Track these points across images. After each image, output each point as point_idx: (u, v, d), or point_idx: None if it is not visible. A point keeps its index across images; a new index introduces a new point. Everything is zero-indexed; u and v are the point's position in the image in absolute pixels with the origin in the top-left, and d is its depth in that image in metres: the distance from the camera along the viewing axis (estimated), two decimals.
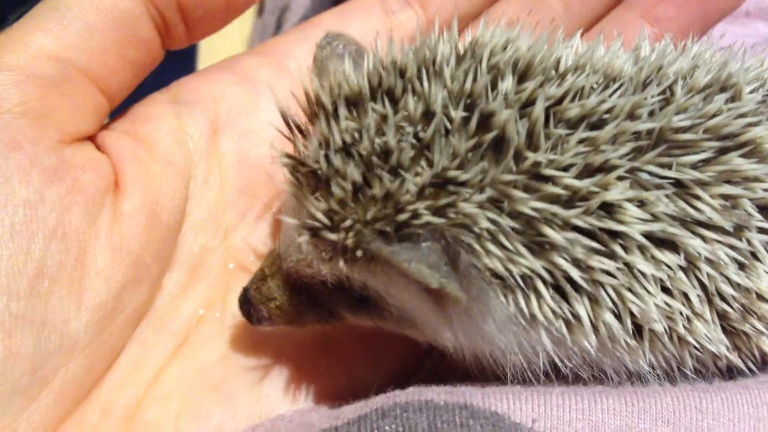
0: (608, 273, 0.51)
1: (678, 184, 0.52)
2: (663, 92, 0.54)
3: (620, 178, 0.51)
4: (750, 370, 0.58)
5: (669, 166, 0.52)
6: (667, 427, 0.52)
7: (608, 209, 0.51)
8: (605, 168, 0.51)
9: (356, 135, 0.52)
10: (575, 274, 0.51)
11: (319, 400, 0.63)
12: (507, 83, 0.52)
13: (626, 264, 0.51)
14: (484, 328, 0.54)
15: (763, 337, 0.56)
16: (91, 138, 0.62)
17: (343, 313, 0.60)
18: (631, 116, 0.52)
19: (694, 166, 0.52)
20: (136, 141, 0.64)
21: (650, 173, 0.52)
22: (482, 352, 0.57)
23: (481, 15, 0.76)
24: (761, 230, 0.54)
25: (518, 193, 0.50)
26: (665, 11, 0.72)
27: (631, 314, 0.52)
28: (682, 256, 0.52)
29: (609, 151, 0.51)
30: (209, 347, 0.64)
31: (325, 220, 0.53)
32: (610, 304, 0.52)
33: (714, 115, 0.53)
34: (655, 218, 0.51)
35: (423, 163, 0.51)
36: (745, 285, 0.54)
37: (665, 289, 0.53)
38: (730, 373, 0.58)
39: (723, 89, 0.55)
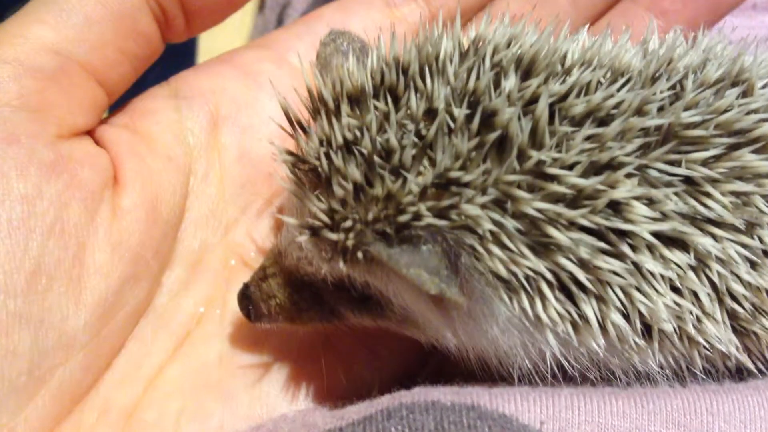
0: (616, 273, 0.50)
1: (688, 181, 0.51)
2: (673, 87, 0.53)
3: (628, 176, 0.50)
4: (760, 371, 0.57)
5: (678, 163, 0.51)
6: (677, 430, 0.51)
7: (616, 208, 0.49)
8: (612, 165, 0.50)
9: (358, 133, 0.51)
10: (581, 274, 0.50)
11: (320, 399, 0.62)
12: (510, 81, 0.51)
13: (634, 264, 0.50)
14: (488, 329, 0.53)
15: None
16: (90, 132, 0.61)
17: (344, 311, 0.59)
18: (639, 112, 0.51)
19: (705, 163, 0.51)
20: (135, 136, 0.63)
21: (659, 170, 0.51)
22: (486, 354, 0.56)
23: (484, 9, 0.75)
24: None
25: (522, 194, 0.49)
26: (672, 4, 0.70)
27: (640, 314, 0.51)
28: (692, 254, 0.51)
29: (616, 148, 0.49)
30: (209, 346, 0.63)
31: (326, 220, 0.52)
32: (619, 305, 0.51)
33: (725, 111, 0.52)
34: (665, 216, 0.50)
35: (425, 162, 0.50)
36: (756, 284, 0.53)
37: (675, 289, 0.52)
38: (740, 374, 0.58)
39: (734, 84, 0.54)
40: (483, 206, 0.49)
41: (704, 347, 0.54)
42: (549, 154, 0.49)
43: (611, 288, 0.50)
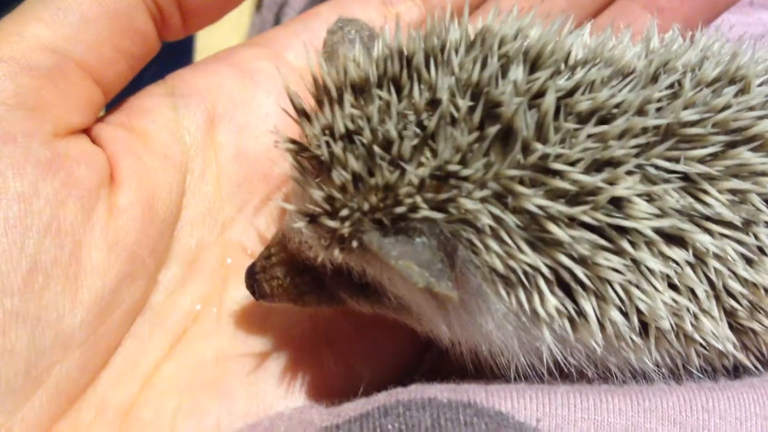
0: (615, 270, 0.50)
1: (686, 178, 0.51)
2: (671, 85, 0.53)
3: (629, 173, 0.50)
4: (756, 368, 0.57)
5: (677, 161, 0.51)
6: (673, 427, 0.52)
7: (617, 204, 0.50)
8: (613, 163, 0.50)
9: (360, 123, 0.51)
10: (580, 271, 0.50)
11: (318, 396, 0.62)
12: (517, 73, 0.51)
13: (634, 260, 0.50)
14: (483, 324, 0.53)
15: None
16: (86, 131, 0.61)
17: (343, 296, 0.59)
18: (641, 111, 0.51)
19: (703, 161, 0.51)
20: (131, 134, 0.63)
21: (658, 168, 0.51)
22: (481, 349, 0.56)
23: (481, 6, 0.75)
24: None
25: (523, 189, 0.49)
26: (669, 2, 0.70)
27: (638, 311, 0.51)
28: (690, 251, 0.51)
29: (617, 146, 0.49)
30: (206, 343, 0.63)
31: (325, 207, 0.52)
32: (617, 302, 0.51)
33: (722, 109, 0.52)
34: (664, 213, 0.50)
35: (427, 154, 0.50)
36: (753, 281, 0.53)
37: (672, 286, 0.52)
38: (735, 371, 0.58)
39: (732, 82, 0.54)
40: (482, 200, 0.49)
41: (701, 345, 0.54)
42: (554, 149, 0.49)
43: (610, 285, 0.50)
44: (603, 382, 0.56)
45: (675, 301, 0.52)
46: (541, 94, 0.51)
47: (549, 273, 0.50)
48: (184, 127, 0.65)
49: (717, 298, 0.53)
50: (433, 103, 0.51)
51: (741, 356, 0.55)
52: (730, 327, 0.54)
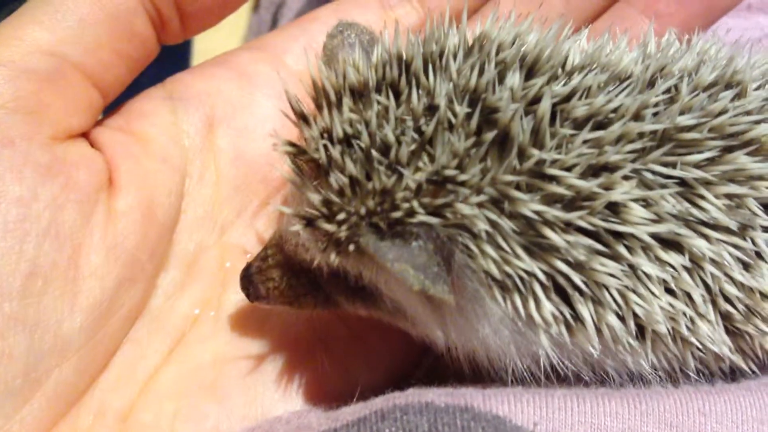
0: (612, 275, 0.50)
1: (683, 183, 0.51)
2: (668, 90, 0.53)
3: (625, 178, 0.50)
4: (752, 371, 0.57)
5: (674, 165, 0.51)
6: (670, 430, 0.52)
7: (613, 209, 0.50)
8: (609, 168, 0.50)
9: (358, 127, 0.52)
10: (576, 276, 0.50)
11: (316, 401, 0.62)
12: (514, 79, 0.51)
13: (630, 265, 0.50)
14: (479, 329, 0.53)
15: (767, 337, 0.55)
16: (85, 134, 0.61)
17: (339, 299, 0.60)
18: (637, 116, 0.51)
19: (699, 166, 0.51)
20: (130, 137, 0.63)
21: (655, 173, 0.51)
22: (478, 353, 0.56)
23: (479, 10, 0.75)
24: (766, 229, 0.53)
25: (520, 194, 0.49)
26: (667, 6, 0.70)
27: (635, 316, 0.52)
28: (687, 256, 0.51)
29: (613, 151, 0.50)
30: (204, 347, 0.63)
31: (322, 210, 0.52)
32: (614, 306, 0.51)
33: (719, 114, 0.53)
34: (661, 218, 0.50)
35: (424, 159, 0.50)
36: (749, 285, 0.53)
37: (669, 290, 0.52)
38: (732, 375, 0.58)
39: (728, 86, 0.55)
40: (479, 205, 0.49)
41: (697, 348, 0.54)
42: (549, 154, 0.49)
43: (607, 290, 0.50)
44: (600, 385, 0.56)
45: (672, 305, 0.52)
46: (537, 100, 0.51)
47: (545, 278, 0.50)
48: (183, 131, 0.65)
49: (713, 302, 0.53)
50: (431, 109, 0.51)
51: (737, 359, 0.55)
52: (726, 331, 0.54)
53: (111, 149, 0.61)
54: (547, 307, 0.51)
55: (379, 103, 0.52)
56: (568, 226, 0.49)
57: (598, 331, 0.52)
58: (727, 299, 0.53)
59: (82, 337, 0.56)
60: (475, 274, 0.50)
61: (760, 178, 0.53)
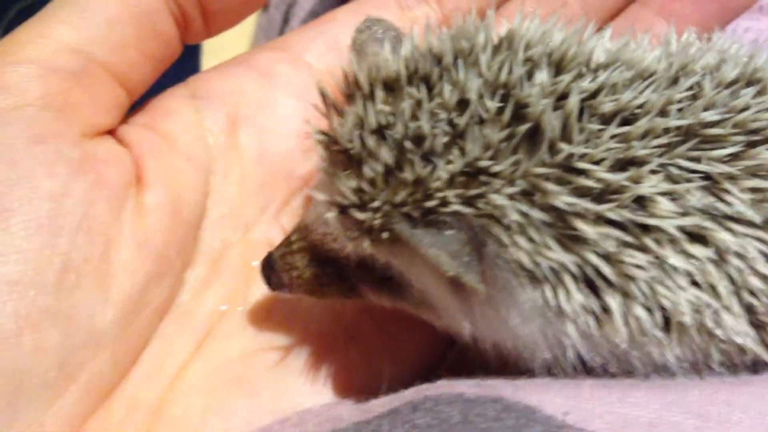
0: (640, 267, 0.51)
1: (708, 178, 0.52)
2: (691, 87, 0.54)
3: (653, 172, 0.51)
4: None
5: (699, 160, 0.52)
6: (696, 420, 0.52)
7: (641, 203, 0.51)
8: (637, 162, 0.51)
9: (391, 118, 0.53)
10: (606, 268, 0.51)
11: (343, 393, 0.63)
12: (542, 75, 0.52)
13: (658, 258, 0.51)
14: (508, 319, 0.54)
15: None
16: (111, 132, 0.62)
17: (364, 289, 0.60)
18: (662, 112, 0.52)
19: (723, 160, 0.53)
20: (156, 135, 0.63)
21: (680, 167, 0.52)
22: (505, 344, 0.57)
23: (497, 10, 0.76)
24: None
25: (551, 186, 0.50)
26: (682, 7, 0.72)
27: (661, 308, 0.53)
28: (712, 249, 0.52)
29: (640, 146, 0.51)
30: (232, 342, 0.64)
31: (354, 199, 0.53)
32: (642, 298, 0.52)
33: (742, 110, 0.54)
34: (687, 212, 0.51)
35: (456, 151, 0.51)
36: None
37: (694, 283, 0.53)
38: (755, 367, 0.59)
39: (749, 83, 0.56)
40: (511, 197, 0.50)
41: (721, 340, 0.55)
42: (579, 148, 0.50)
43: (635, 282, 0.51)
44: (626, 376, 0.57)
45: (697, 297, 0.53)
46: (565, 95, 0.52)
47: (575, 270, 0.51)
48: (207, 129, 0.66)
49: (737, 294, 0.54)
50: (463, 103, 0.52)
51: (760, 351, 0.56)
52: (750, 323, 0.55)
53: (138, 147, 0.62)
54: (577, 298, 0.51)
55: (411, 96, 0.53)
56: (598, 218, 0.50)
57: (626, 322, 0.53)
58: (751, 292, 0.54)
59: (114, 331, 0.57)
60: (506, 265, 0.51)
61: None
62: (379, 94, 0.54)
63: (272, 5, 1.14)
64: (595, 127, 0.51)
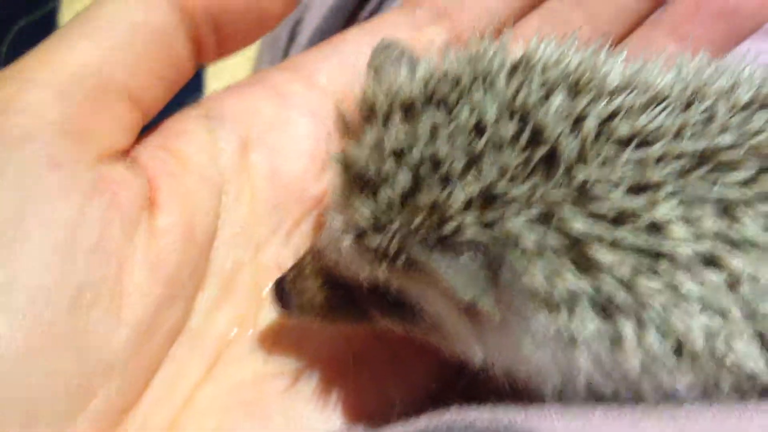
0: (654, 293, 0.51)
1: (721, 202, 0.52)
2: (705, 110, 0.54)
3: (667, 197, 0.51)
4: None
5: (713, 184, 0.52)
6: None
7: (655, 228, 0.51)
8: (652, 186, 0.51)
9: (408, 142, 0.53)
10: (621, 293, 0.51)
11: (354, 419, 0.63)
12: (559, 98, 0.52)
13: (672, 283, 0.51)
14: (521, 345, 0.54)
15: None
16: (125, 153, 0.62)
17: (375, 314, 0.60)
18: (677, 136, 0.52)
19: (738, 185, 0.52)
20: (169, 156, 0.64)
21: (695, 192, 0.52)
22: (516, 370, 0.57)
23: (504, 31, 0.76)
24: None
25: (567, 211, 0.50)
26: (692, 29, 0.72)
27: (674, 334, 0.52)
28: (725, 274, 0.52)
29: (656, 170, 0.51)
30: (243, 366, 0.63)
31: (370, 223, 0.53)
32: (656, 324, 0.52)
33: (756, 134, 0.54)
34: (702, 237, 0.51)
35: (473, 175, 0.51)
36: None
37: (707, 308, 0.53)
38: (764, 393, 0.58)
39: (763, 106, 0.56)
40: (527, 221, 0.50)
41: (733, 366, 0.55)
42: (595, 172, 0.50)
43: (649, 307, 0.51)
44: (636, 403, 0.56)
45: (710, 323, 0.52)
46: (582, 119, 0.52)
47: (591, 295, 0.51)
48: (220, 149, 0.66)
49: (750, 319, 0.54)
50: (480, 126, 0.52)
51: None
52: (762, 348, 0.55)
53: (151, 168, 0.62)
54: (591, 324, 0.51)
55: (429, 119, 0.53)
56: (614, 244, 0.50)
57: (639, 349, 0.53)
58: (764, 317, 0.54)
59: (127, 354, 0.57)
60: (521, 290, 0.51)
61: None
62: (397, 116, 0.54)
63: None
64: (612, 150, 0.51)
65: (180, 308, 0.61)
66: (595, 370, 0.54)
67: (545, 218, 0.50)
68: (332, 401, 0.63)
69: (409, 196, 0.51)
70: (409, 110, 0.54)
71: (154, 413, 0.59)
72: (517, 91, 0.53)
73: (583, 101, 0.52)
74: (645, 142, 0.52)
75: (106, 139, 0.59)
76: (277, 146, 0.68)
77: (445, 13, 0.75)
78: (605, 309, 0.52)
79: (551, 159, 0.51)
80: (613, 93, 0.54)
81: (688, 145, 0.52)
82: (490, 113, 0.52)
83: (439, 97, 0.54)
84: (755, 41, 0.75)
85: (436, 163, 0.51)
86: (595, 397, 0.56)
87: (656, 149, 0.51)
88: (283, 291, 0.61)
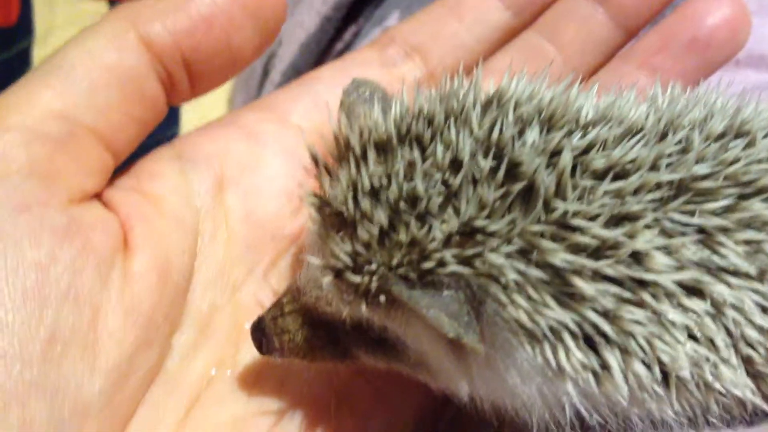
0: (639, 322, 0.51)
1: (702, 231, 0.52)
2: (680, 141, 0.55)
3: (647, 227, 0.51)
4: None
5: (692, 214, 0.52)
6: None
7: (637, 258, 0.51)
8: (631, 217, 0.51)
9: (384, 180, 0.52)
10: (605, 325, 0.50)
11: None
12: (533, 133, 0.53)
13: (655, 312, 0.51)
14: (507, 379, 0.53)
15: None
16: (98, 195, 0.61)
17: (358, 352, 0.59)
18: (654, 167, 0.53)
19: (717, 213, 0.53)
20: (142, 198, 0.63)
21: (674, 221, 0.52)
22: (503, 403, 0.56)
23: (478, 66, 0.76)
24: None
25: (547, 244, 0.50)
26: (663, 62, 0.73)
27: (660, 363, 0.52)
28: (709, 302, 0.52)
29: (634, 201, 0.51)
30: (222, 408, 0.62)
31: (349, 262, 0.52)
32: (641, 354, 0.52)
33: (732, 162, 0.54)
34: (683, 266, 0.51)
35: (451, 211, 0.51)
36: None
37: (692, 336, 0.53)
38: (751, 419, 0.58)
39: (738, 136, 0.56)
40: (507, 255, 0.50)
41: (720, 393, 0.55)
42: (573, 205, 0.50)
43: (634, 338, 0.51)
44: (624, 430, 0.56)
45: (695, 351, 0.52)
46: (557, 152, 0.52)
47: (574, 327, 0.50)
48: (193, 191, 0.65)
49: (735, 346, 0.54)
50: (456, 163, 0.52)
51: (758, 402, 0.56)
52: (748, 374, 0.55)
53: (125, 210, 0.61)
54: (577, 356, 0.51)
55: (404, 156, 0.53)
56: (596, 275, 0.50)
57: (625, 379, 0.52)
58: (748, 343, 0.54)
59: (102, 402, 0.55)
60: (505, 324, 0.50)
61: None
62: (372, 155, 0.54)
63: None
64: (589, 183, 0.51)
65: (156, 351, 0.60)
66: (582, 401, 0.54)
67: (526, 252, 0.50)
68: None
69: (387, 234, 0.51)
70: (383, 149, 0.54)
71: None
72: (492, 127, 0.53)
73: (557, 135, 0.53)
74: (622, 174, 0.52)
75: (77, 181, 0.58)
76: (251, 186, 0.67)
77: (418, 50, 0.75)
78: (590, 340, 0.51)
79: (529, 193, 0.51)
80: (587, 126, 0.54)
81: (665, 176, 0.52)
82: (466, 150, 0.52)
83: (414, 135, 0.54)
84: (725, 72, 0.76)
85: (413, 200, 0.51)
86: (581, 428, 0.55)
87: (633, 180, 0.52)
88: (263, 331, 0.60)
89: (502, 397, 0.55)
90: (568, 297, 0.50)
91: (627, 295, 0.51)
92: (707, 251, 0.52)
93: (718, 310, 0.52)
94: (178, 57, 0.62)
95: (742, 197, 0.54)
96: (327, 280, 0.53)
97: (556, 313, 0.50)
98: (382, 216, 0.51)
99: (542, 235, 0.50)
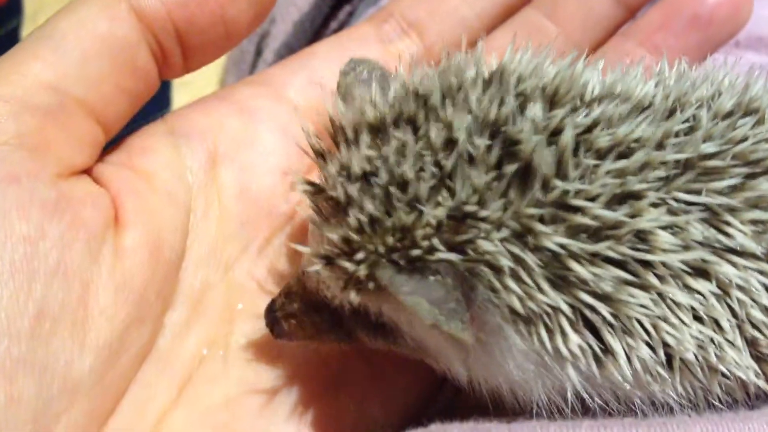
0: (642, 305, 0.50)
1: (708, 210, 0.51)
2: (688, 119, 0.53)
3: (652, 206, 0.50)
4: None
5: (698, 193, 0.51)
6: None
7: (641, 237, 0.49)
8: (634, 196, 0.50)
9: (376, 164, 0.51)
10: (603, 308, 0.49)
11: None
12: (535, 110, 0.51)
13: (660, 294, 0.50)
14: (503, 364, 0.52)
15: None
16: (88, 171, 0.59)
17: (360, 335, 0.58)
18: (660, 145, 0.51)
19: (723, 192, 0.52)
20: (134, 174, 0.61)
21: (680, 200, 0.51)
22: (501, 388, 0.55)
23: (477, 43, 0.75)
24: None
25: (543, 227, 0.48)
26: (664, 40, 0.71)
27: (664, 345, 0.51)
28: (714, 283, 0.51)
29: (637, 180, 0.50)
30: (214, 388, 0.61)
31: (341, 248, 0.51)
32: (645, 337, 0.51)
33: (740, 141, 0.53)
34: (689, 246, 0.50)
35: (443, 194, 0.49)
36: None
37: (697, 318, 0.52)
38: (753, 403, 0.58)
39: (746, 114, 0.55)
40: (501, 240, 0.48)
41: (724, 375, 0.54)
42: (573, 185, 0.49)
43: (637, 321, 0.50)
44: (625, 414, 0.55)
45: (701, 332, 0.51)
46: (559, 131, 0.51)
47: (571, 312, 0.49)
48: (186, 167, 0.64)
49: (740, 328, 0.53)
50: (450, 143, 0.50)
51: (762, 384, 0.55)
52: (752, 356, 0.54)
53: (115, 185, 0.59)
54: (575, 340, 0.50)
55: (397, 138, 0.51)
56: (595, 258, 0.49)
57: (629, 362, 0.51)
58: (754, 325, 0.53)
59: (92, 380, 0.54)
60: (498, 309, 0.49)
61: None
62: (365, 139, 0.52)
63: None
64: (591, 162, 0.50)
65: (148, 329, 0.59)
66: (583, 385, 0.53)
67: (521, 235, 0.49)
68: (309, 422, 0.61)
69: (377, 220, 0.50)
70: (377, 131, 0.53)
71: None
72: (491, 104, 0.51)
73: (560, 113, 0.51)
74: (625, 153, 0.51)
75: (67, 155, 0.56)
76: (245, 162, 0.66)
77: (415, 26, 0.74)
78: (590, 324, 0.50)
79: (526, 174, 0.49)
80: (592, 103, 0.53)
81: (670, 155, 0.51)
82: (462, 128, 0.50)
83: (407, 116, 0.52)
84: (725, 53, 0.75)
85: (404, 184, 0.50)
86: (582, 410, 0.55)
87: (637, 159, 0.50)
88: (274, 316, 0.59)
89: (500, 381, 0.54)
90: (564, 281, 0.49)
91: (628, 277, 0.49)
92: (713, 231, 0.51)
93: (723, 291, 0.51)
94: (170, 28, 0.60)
95: (750, 176, 0.52)
96: (319, 266, 0.52)
97: (551, 297, 0.49)
98: (371, 202, 0.50)
99: (539, 218, 0.49)
